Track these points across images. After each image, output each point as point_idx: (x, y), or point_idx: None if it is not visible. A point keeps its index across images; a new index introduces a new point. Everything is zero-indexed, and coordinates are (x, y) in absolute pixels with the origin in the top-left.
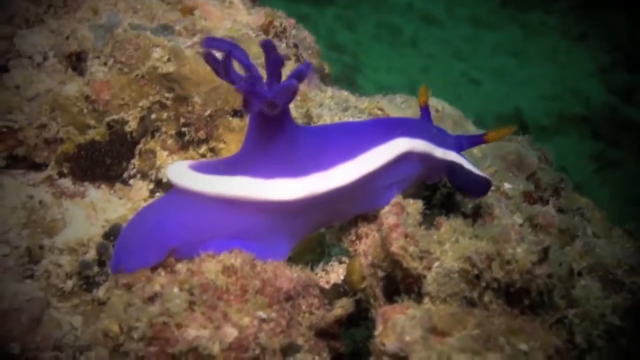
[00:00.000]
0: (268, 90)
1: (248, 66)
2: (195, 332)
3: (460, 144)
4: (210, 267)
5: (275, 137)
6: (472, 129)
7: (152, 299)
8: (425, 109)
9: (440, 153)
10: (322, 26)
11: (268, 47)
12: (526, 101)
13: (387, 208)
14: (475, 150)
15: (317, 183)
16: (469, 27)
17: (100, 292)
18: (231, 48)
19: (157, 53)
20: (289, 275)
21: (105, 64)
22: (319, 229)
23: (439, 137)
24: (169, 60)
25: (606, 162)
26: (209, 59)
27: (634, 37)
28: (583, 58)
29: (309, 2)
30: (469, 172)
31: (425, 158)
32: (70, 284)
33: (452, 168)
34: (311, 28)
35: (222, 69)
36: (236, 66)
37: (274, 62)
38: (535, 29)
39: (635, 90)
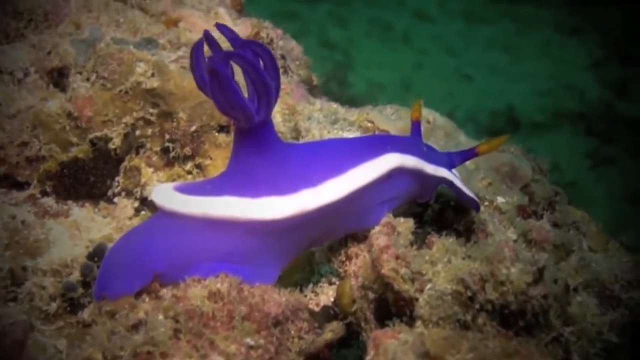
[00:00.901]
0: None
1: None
2: None
3: (452, 161)
4: (195, 292)
5: (259, 154)
6: (463, 140)
7: (136, 326)
8: (416, 124)
9: (432, 169)
10: (314, 23)
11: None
12: (520, 97)
13: (377, 228)
14: (468, 163)
15: (308, 199)
16: (461, 22)
17: (85, 314)
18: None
19: (140, 68)
20: (277, 300)
21: (87, 79)
22: (308, 249)
23: (430, 154)
24: (152, 75)
25: (601, 158)
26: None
27: (628, 30)
28: (577, 52)
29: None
30: (459, 191)
31: (416, 174)
32: (54, 306)
33: (443, 184)
34: (302, 25)
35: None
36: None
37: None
38: (529, 23)
39: (629, 85)
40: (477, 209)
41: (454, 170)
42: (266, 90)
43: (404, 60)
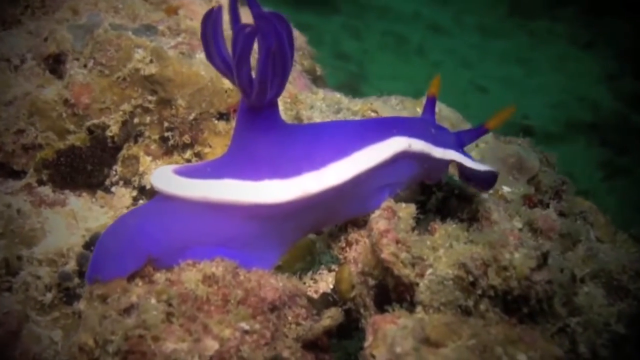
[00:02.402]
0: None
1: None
2: (173, 345)
3: (461, 141)
4: (190, 276)
5: (263, 136)
6: None
7: (128, 310)
8: (431, 101)
9: (439, 153)
10: (328, 35)
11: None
12: (534, 109)
13: (377, 212)
14: (473, 153)
15: (311, 183)
16: (476, 36)
17: (81, 305)
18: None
19: (138, 54)
20: (274, 285)
21: (85, 66)
22: (309, 234)
23: (438, 136)
24: (151, 61)
25: (614, 169)
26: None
27: None
28: (591, 65)
29: (314, 11)
30: (472, 169)
31: (423, 158)
32: (49, 296)
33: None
34: (316, 37)
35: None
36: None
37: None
38: (543, 37)
39: None
40: (494, 182)
41: (465, 150)
42: (284, 67)
43: (418, 72)
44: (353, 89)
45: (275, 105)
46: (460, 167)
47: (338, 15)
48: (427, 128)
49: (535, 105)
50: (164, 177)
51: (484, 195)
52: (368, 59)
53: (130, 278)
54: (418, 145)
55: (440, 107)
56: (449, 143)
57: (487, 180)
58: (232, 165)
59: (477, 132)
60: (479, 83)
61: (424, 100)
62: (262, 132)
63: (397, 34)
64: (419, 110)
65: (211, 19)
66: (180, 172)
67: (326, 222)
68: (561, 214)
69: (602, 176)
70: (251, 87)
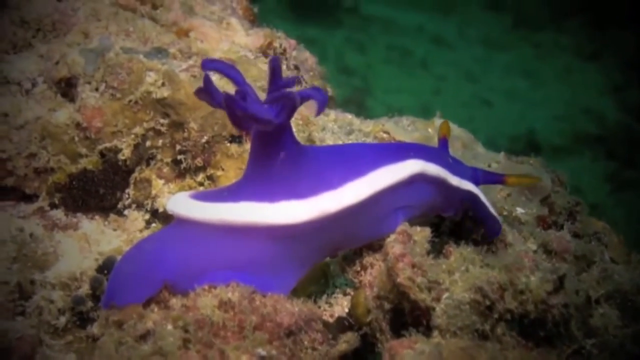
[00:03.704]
0: (259, 105)
1: (239, 83)
2: None
3: (476, 177)
4: (205, 302)
5: (279, 158)
6: (481, 151)
7: (144, 337)
8: (444, 141)
9: (456, 181)
10: (331, 49)
11: (274, 66)
12: (539, 122)
13: (392, 237)
14: None
15: (328, 202)
16: (480, 48)
17: (94, 329)
18: (226, 68)
19: (150, 77)
20: (290, 310)
21: (96, 89)
22: (325, 257)
23: (455, 166)
24: (163, 84)
25: (621, 182)
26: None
27: None
28: (596, 77)
29: (318, 25)
30: (484, 208)
31: (440, 184)
32: (63, 320)
33: (467, 199)
34: (320, 51)
35: (203, 91)
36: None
37: (276, 80)
38: (548, 49)
39: None
40: (498, 232)
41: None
42: (283, 96)
43: (422, 85)
44: (358, 104)
45: (287, 128)
46: (474, 204)
47: (342, 29)
48: (444, 157)
49: (541, 118)
50: (181, 202)
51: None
52: (372, 73)
53: (146, 304)
54: (434, 169)
55: (451, 127)
56: (466, 175)
57: (493, 228)
58: (249, 188)
59: (494, 178)
60: (483, 96)
61: (435, 121)
62: (276, 153)
63: (401, 48)
64: (431, 131)
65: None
66: (197, 197)
67: (343, 245)
68: (575, 235)
69: (609, 189)
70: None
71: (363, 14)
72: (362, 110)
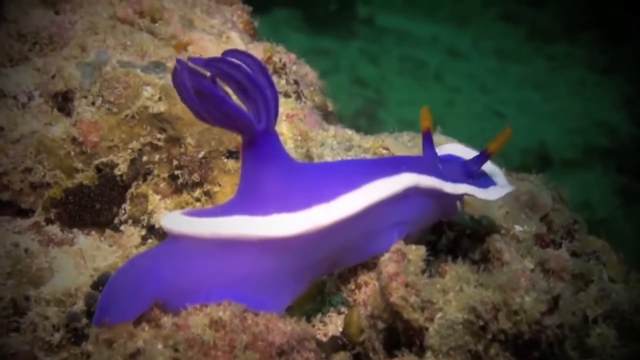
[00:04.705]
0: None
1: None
2: None
3: (469, 170)
4: (197, 320)
5: (268, 171)
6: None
7: (134, 355)
8: (427, 135)
9: (450, 188)
10: (345, 60)
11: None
12: (551, 135)
13: (387, 255)
14: None
15: (321, 215)
16: (494, 60)
17: (89, 346)
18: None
19: (147, 92)
20: (283, 329)
21: (93, 103)
22: (320, 276)
23: (446, 171)
24: (160, 99)
25: (631, 196)
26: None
27: None
28: (609, 91)
29: (332, 36)
30: (485, 200)
31: (435, 194)
32: (57, 336)
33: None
34: (333, 62)
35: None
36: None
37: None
38: (561, 62)
39: None
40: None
41: (490, 166)
42: (259, 92)
43: (436, 97)
44: (370, 116)
45: (273, 137)
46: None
47: (356, 40)
48: (434, 165)
49: (553, 131)
50: (173, 218)
51: (496, 236)
52: (386, 85)
53: (137, 322)
54: (428, 181)
55: (440, 139)
56: (458, 176)
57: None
58: (241, 204)
59: (482, 158)
60: (496, 108)
61: (436, 136)
62: (264, 164)
63: (415, 59)
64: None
65: (177, 80)
66: (190, 214)
67: (337, 262)
68: (573, 254)
69: (619, 203)
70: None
71: (378, 25)
72: (373, 122)
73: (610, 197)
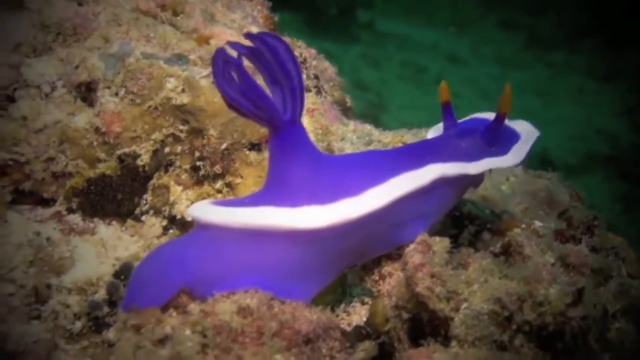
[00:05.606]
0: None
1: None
2: None
3: (488, 140)
4: (224, 307)
5: (296, 160)
6: None
7: (162, 341)
8: (447, 108)
9: (474, 168)
10: (347, 64)
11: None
12: (552, 141)
13: (412, 246)
14: (504, 187)
15: (348, 208)
16: (495, 67)
17: (110, 334)
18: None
19: (170, 83)
20: (309, 317)
21: (116, 94)
22: (346, 268)
23: (469, 148)
24: (183, 91)
25: (633, 202)
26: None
27: None
28: (610, 98)
29: (333, 40)
30: (512, 166)
31: (459, 179)
32: (78, 325)
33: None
34: (335, 66)
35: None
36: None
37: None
38: (562, 69)
39: None
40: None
41: (523, 124)
42: (287, 78)
43: (437, 102)
44: (373, 119)
45: (299, 128)
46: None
47: (357, 45)
48: (456, 145)
49: (554, 138)
50: (201, 207)
51: (517, 230)
52: (387, 89)
53: (165, 309)
54: (452, 169)
55: None
56: (480, 150)
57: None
58: (270, 194)
59: (498, 122)
60: None
61: None
62: (293, 157)
63: (416, 64)
64: None
65: (215, 64)
66: (218, 203)
67: (364, 254)
68: (593, 250)
69: (621, 209)
70: (260, 114)
71: (378, 30)
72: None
73: (612, 204)
